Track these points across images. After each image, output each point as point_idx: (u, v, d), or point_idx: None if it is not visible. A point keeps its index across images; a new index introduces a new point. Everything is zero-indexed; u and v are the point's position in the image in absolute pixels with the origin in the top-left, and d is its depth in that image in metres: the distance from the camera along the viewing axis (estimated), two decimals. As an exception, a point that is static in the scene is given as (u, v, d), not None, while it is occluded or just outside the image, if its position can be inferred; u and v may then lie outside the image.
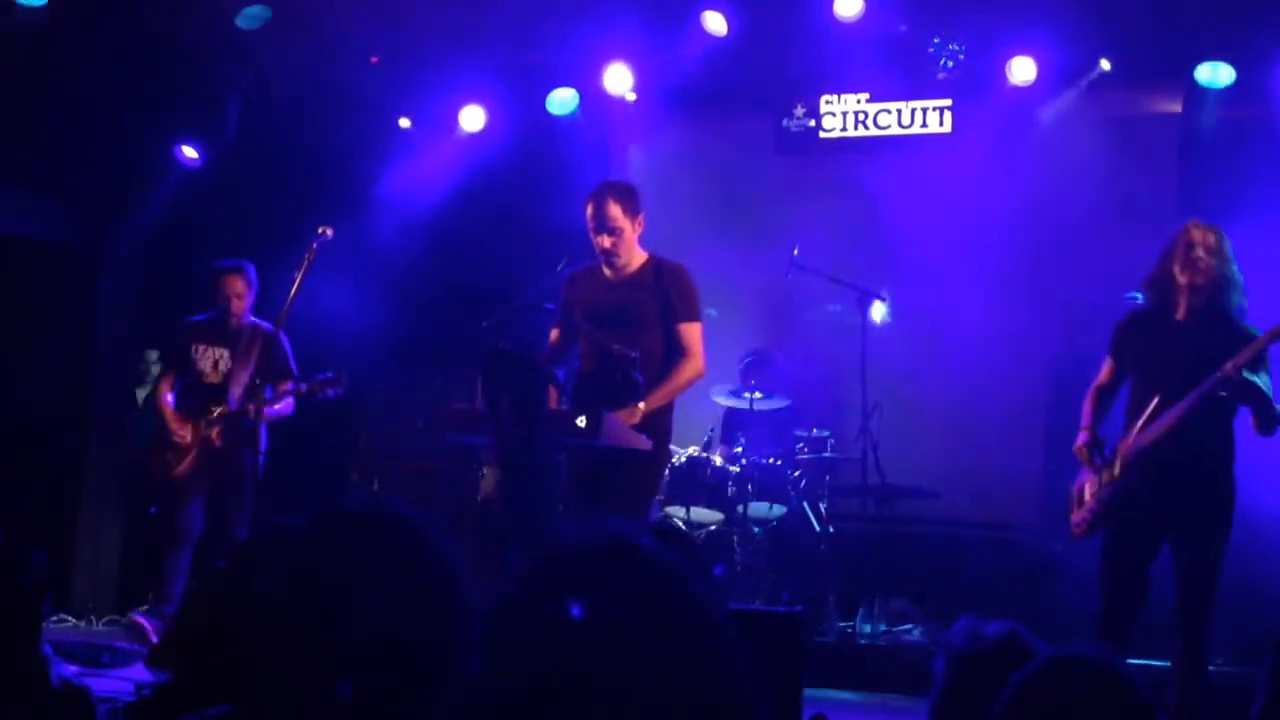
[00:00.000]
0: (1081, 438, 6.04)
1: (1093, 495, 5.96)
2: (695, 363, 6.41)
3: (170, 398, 8.16)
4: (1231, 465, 5.79)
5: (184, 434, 8.02)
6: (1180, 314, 5.83)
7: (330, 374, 7.81)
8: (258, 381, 7.62)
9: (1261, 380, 5.60)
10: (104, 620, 8.74)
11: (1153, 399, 5.77)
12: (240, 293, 8.11)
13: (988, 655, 2.97)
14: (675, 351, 6.38)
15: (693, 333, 6.42)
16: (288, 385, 7.96)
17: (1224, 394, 5.58)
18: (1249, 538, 7.60)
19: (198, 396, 8.13)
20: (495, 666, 1.56)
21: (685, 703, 1.50)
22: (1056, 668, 2.17)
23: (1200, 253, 5.76)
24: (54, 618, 8.66)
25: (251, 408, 7.66)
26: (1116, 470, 5.84)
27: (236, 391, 8.03)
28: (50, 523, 9.13)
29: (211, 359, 8.14)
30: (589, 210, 6.44)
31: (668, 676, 1.50)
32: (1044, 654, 2.29)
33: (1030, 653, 2.93)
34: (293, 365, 8.10)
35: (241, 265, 8.18)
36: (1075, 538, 6.11)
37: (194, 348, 8.15)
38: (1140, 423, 5.79)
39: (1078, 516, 6.02)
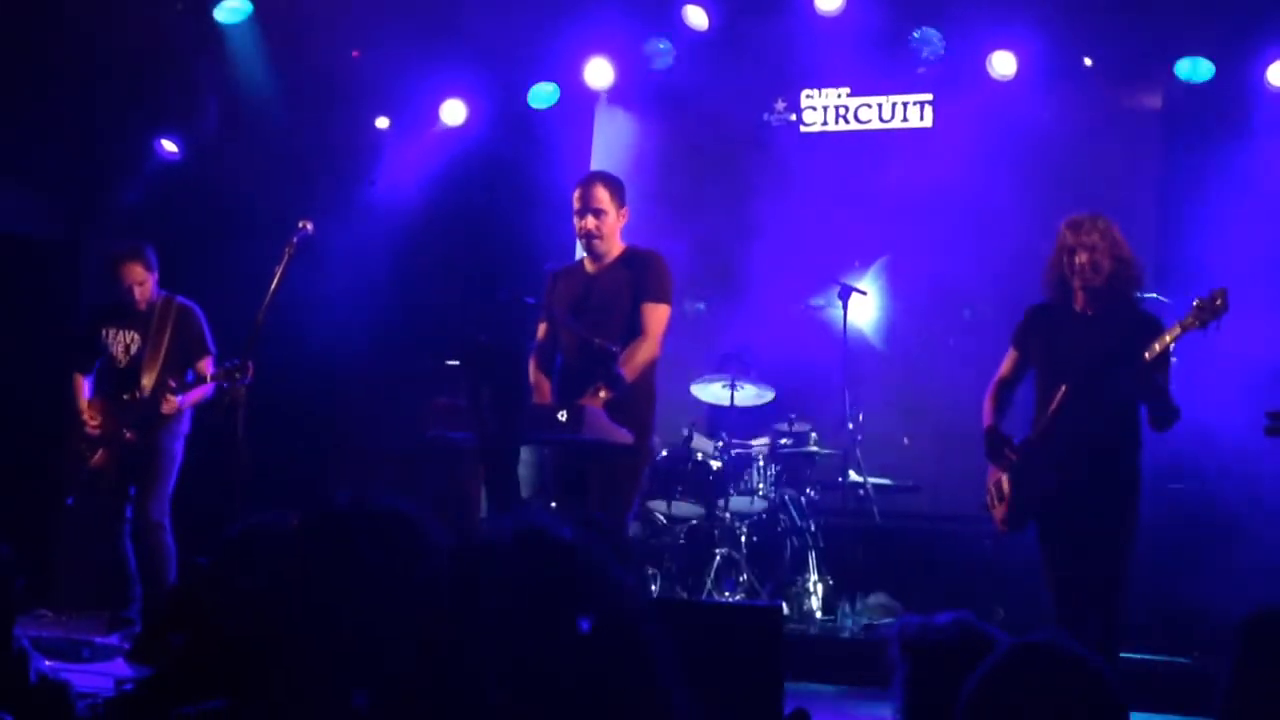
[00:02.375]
0: (988, 443, 6.07)
1: (1012, 489, 5.98)
2: (648, 344, 6.33)
3: (87, 383, 7.91)
4: (1137, 453, 5.81)
5: (96, 424, 7.77)
6: (1080, 305, 5.88)
7: (236, 360, 7.07)
8: (171, 384, 7.50)
9: (1160, 377, 5.65)
10: (85, 615, 8.70)
11: (1057, 392, 5.80)
12: (140, 280, 7.75)
13: (943, 645, 3.00)
14: (635, 332, 6.35)
15: (654, 314, 6.38)
16: (207, 365, 7.69)
17: (1129, 386, 5.60)
18: (1218, 528, 7.67)
19: (111, 382, 7.87)
20: (422, 656, 1.57)
21: (599, 692, 1.51)
22: (1021, 656, 2.18)
23: (1081, 257, 5.80)
24: (35, 612, 8.63)
25: (166, 404, 7.56)
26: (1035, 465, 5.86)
27: (148, 380, 7.70)
28: (31, 517, 9.09)
29: (123, 343, 7.84)
30: (576, 194, 6.45)
31: (582, 666, 1.51)
32: (1006, 642, 2.30)
33: (985, 639, 2.96)
34: (209, 341, 7.84)
35: (138, 249, 7.81)
36: (1001, 533, 6.15)
37: (104, 331, 7.86)
38: (1048, 416, 5.83)
39: (1001, 512, 6.05)
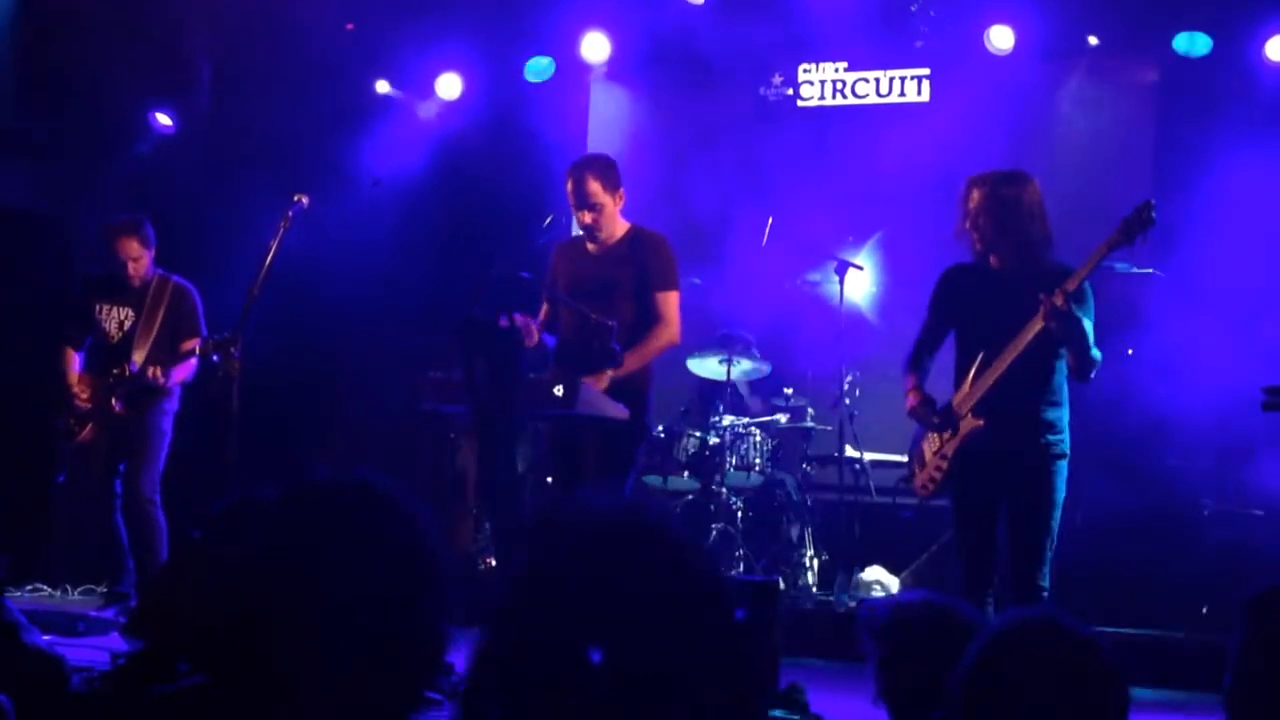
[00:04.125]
0: (911, 399, 5.84)
1: (935, 454, 5.78)
2: (670, 330, 6.41)
3: (78, 359, 7.84)
4: (1063, 418, 5.62)
5: (85, 398, 7.71)
6: (996, 264, 5.68)
7: (226, 333, 6.88)
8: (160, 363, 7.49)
9: (1082, 318, 5.43)
10: (80, 589, 8.71)
11: (979, 351, 5.63)
12: (136, 255, 7.66)
13: (911, 624, 3.00)
14: (651, 320, 6.38)
15: (668, 301, 6.43)
16: (193, 345, 7.55)
17: (1053, 325, 5.37)
18: (1223, 505, 7.69)
19: (101, 358, 7.81)
20: (513, 636, 1.54)
21: (707, 679, 1.49)
22: (1019, 632, 2.17)
23: (969, 221, 5.65)
24: (29, 587, 8.64)
25: (151, 372, 7.52)
26: (960, 427, 5.66)
27: (139, 355, 7.64)
28: (26, 493, 9.09)
29: (116, 319, 7.78)
30: (569, 186, 6.43)
31: (690, 656, 1.49)
32: (1001, 618, 2.29)
33: (952, 615, 2.96)
34: (201, 324, 7.78)
35: (135, 223, 7.72)
36: (923, 498, 5.94)
37: (98, 307, 7.79)
38: (971, 375, 5.65)
39: (923, 477, 5.84)
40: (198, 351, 7.38)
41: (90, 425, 7.71)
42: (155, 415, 7.73)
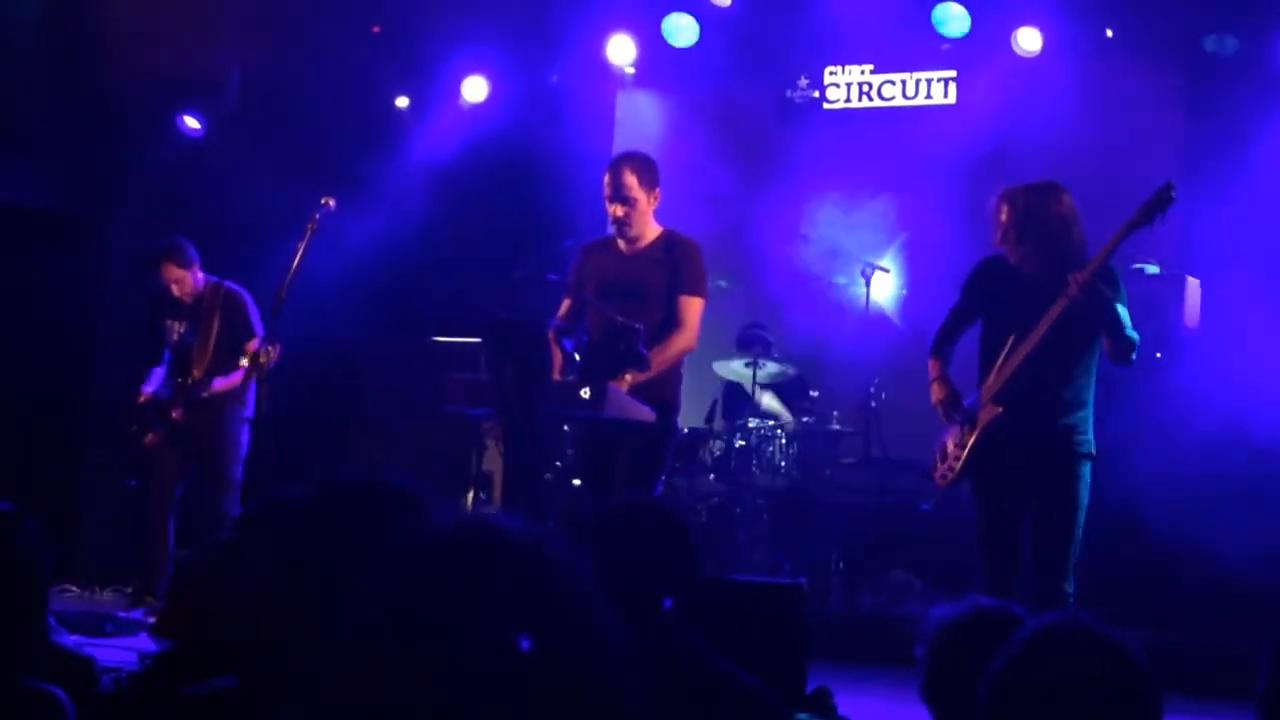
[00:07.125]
0: (936, 391, 5.82)
1: (957, 445, 5.73)
2: (687, 335, 6.36)
3: (156, 374, 7.97)
4: (1087, 419, 5.57)
5: (144, 400, 7.84)
6: (1027, 268, 5.66)
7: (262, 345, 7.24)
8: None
9: (1113, 301, 5.40)
10: (108, 590, 8.75)
11: (1006, 341, 5.59)
12: (178, 278, 7.82)
13: (968, 629, 2.97)
14: (672, 323, 6.35)
15: (691, 307, 6.39)
16: (252, 348, 7.62)
17: (1080, 298, 5.31)
18: (1252, 506, 7.64)
19: (166, 368, 7.97)
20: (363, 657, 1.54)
21: (553, 694, 1.46)
22: (1045, 638, 2.14)
23: (1001, 232, 5.65)
24: (58, 587, 8.68)
25: (202, 387, 7.63)
26: (981, 417, 5.62)
27: (199, 368, 7.78)
28: (54, 493, 9.13)
29: (176, 330, 7.92)
30: (606, 179, 6.42)
31: (528, 668, 1.46)
32: (1030, 624, 2.25)
33: (1014, 623, 2.93)
34: (256, 325, 7.85)
35: (171, 248, 7.87)
36: (940, 490, 5.87)
37: (165, 322, 7.94)
38: (997, 365, 5.61)
39: (942, 468, 5.79)
40: (241, 363, 7.45)
41: (151, 433, 7.77)
42: (223, 422, 7.77)
